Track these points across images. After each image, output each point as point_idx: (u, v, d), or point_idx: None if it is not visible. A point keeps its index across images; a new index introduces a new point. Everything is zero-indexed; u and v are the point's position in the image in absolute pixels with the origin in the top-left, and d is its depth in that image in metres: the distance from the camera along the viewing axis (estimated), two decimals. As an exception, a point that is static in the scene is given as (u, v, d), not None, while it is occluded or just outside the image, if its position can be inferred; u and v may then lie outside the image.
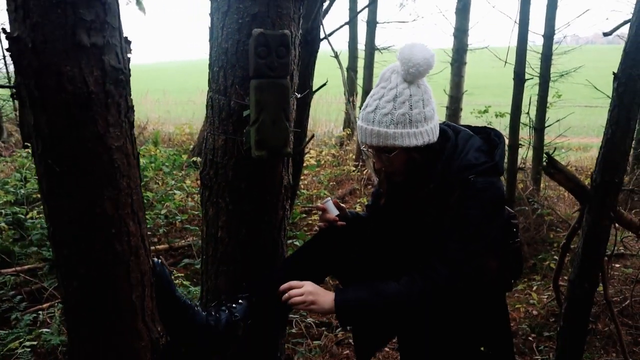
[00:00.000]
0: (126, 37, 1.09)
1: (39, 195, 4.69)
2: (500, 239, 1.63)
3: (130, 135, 1.12)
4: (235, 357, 1.53)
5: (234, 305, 1.46)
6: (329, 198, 1.73)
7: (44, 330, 2.95)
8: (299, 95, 1.77)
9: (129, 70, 1.09)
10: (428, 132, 1.51)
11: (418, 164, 1.54)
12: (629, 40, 2.29)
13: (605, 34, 3.01)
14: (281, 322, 1.82)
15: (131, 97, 1.12)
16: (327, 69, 3.46)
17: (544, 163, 2.74)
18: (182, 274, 3.95)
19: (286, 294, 1.49)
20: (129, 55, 1.10)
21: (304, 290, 1.48)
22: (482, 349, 1.64)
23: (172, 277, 3.74)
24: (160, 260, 1.31)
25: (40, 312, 3.21)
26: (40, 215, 4.16)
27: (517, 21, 3.86)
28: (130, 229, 1.14)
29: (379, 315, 1.49)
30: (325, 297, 1.49)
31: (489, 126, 1.67)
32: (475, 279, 1.53)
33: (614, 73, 2.37)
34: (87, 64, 1.00)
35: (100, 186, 1.07)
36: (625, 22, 2.75)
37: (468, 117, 7.31)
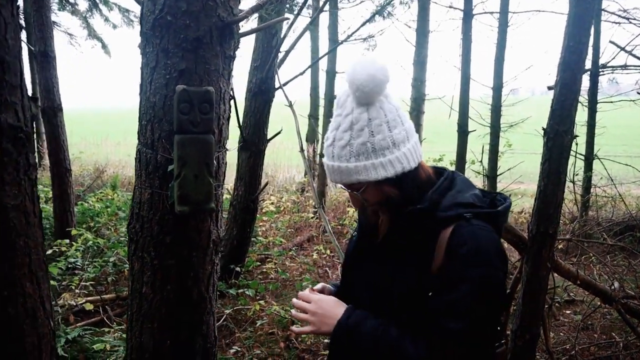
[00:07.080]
0: (30, 95, 1.08)
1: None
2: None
3: (32, 193, 1.09)
4: None
5: None
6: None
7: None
8: (229, 149, 1.77)
9: (32, 127, 1.08)
10: (400, 159, 1.25)
11: (395, 198, 1.28)
12: (555, 98, 2.40)
13: (550, 88, 3.17)
14: None
15: (34, 154, 1.10)
16: (288, 117, 3.48)
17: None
18: (127, 326, 3.79)
19: (294, 310, 1.34)
20: (32, 112, 1.08)
21: (310, 307, 1.32)
22: None
23: (118, 327, 3.58)
24: None
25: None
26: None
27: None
28: (26, 290, 1.09)
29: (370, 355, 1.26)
30: (326, 323, 1.29)
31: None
32: None
33: (543, 128, 2.47)
34: (-18, 123, 0.98)
35: (-8, 246, 1.02)
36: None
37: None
